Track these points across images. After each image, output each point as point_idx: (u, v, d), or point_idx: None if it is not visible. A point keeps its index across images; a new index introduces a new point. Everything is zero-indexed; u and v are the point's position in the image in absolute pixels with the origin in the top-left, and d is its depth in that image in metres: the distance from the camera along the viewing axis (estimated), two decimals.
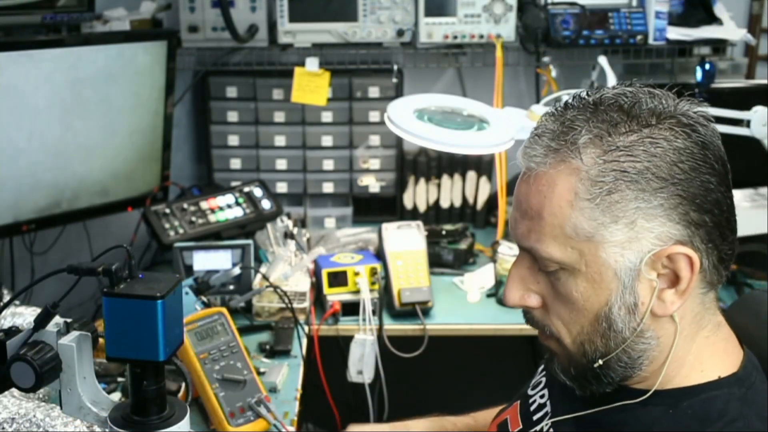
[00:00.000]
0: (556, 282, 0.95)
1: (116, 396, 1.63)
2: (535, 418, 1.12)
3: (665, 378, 0.96)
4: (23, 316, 1.61)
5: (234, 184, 2.44)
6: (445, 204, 2.57)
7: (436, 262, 2.24)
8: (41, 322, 0.91)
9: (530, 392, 1.17)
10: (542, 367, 1.20)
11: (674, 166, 0.89)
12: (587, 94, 0.97)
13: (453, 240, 2.32)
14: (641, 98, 0.93)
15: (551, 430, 1.06)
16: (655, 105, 0.93)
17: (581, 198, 0.90)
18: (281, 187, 2.57)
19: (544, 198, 0.92)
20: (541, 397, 1.14)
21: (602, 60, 2.19)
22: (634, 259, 0.91)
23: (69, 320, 0.93)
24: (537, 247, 0.94)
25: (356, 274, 2.01)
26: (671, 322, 0.94)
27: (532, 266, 0.98)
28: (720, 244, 0.92)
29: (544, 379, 1.17)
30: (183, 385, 1.57)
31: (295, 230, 2.25)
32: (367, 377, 2.00)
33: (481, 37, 2.34)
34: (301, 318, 1.96)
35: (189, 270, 2.03)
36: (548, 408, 1.11)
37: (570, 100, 0.97)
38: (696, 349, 0.97)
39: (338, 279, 2.02)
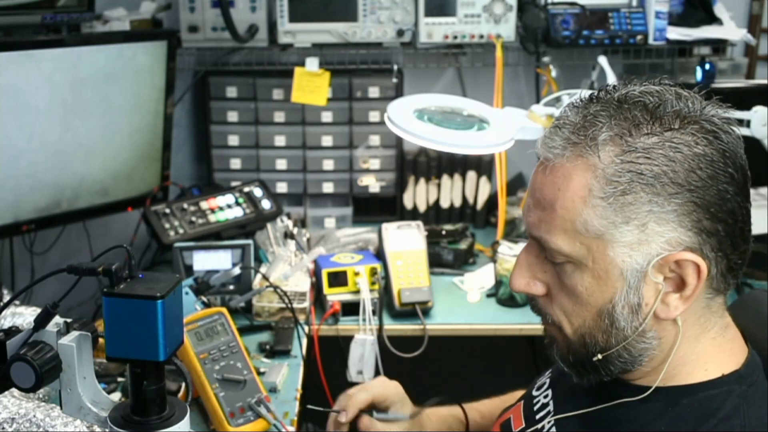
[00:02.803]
0: (562, 273, 0.96)
1: (116, 396, 1.63)
2: (537, 417, 1.12)
3: (666, 375, 0.97)
4: (23, 316, 1.61)
5: (234, 184, 2.44)
6: (445, 204, 2.57)
7: (436, 262, 2.24)
8: (41, 322, 0.91)
9: (534, 393, 1.18)
10: (549, 370, 1.20)
11: (692, 173, 0.88)
12: (614, 89, 0.95)
13: (453, 240, 2.31)
14: (667, 99, 0.92)
15: (553, 427, 1.07)
16: (681, 107, 0.91)
17: (595, 195, 0.90)
18: (281, 187, 2.57)
19: (558, 190, 0.92)
20: (545, 397, 1.14)
21: (602, 60, 2.19)
22: (642, 261, 0.91)
23: (69, 320, 0.92)
24: (546, 237, 0.94)
25: (356, 274, 2.01)
26: (674, 324, 0.95)
27: (540, 254, 0.99)
28: (730, 253, 0.92)
29: (548, 380, 1.17)
30: (183, 385, 1.57)
31: (295, 230, 2.25)
32: (367, 377, 1.99)
33: (481, 37, 2.34)
34: (301, 318, 1.96)
35: (189, 270, 2.03)
36: (551, 407, 1.11)
37: (596, 93, 0.95)
38: (700, 350, 0.97)
39: (338, 279, 2.02)
